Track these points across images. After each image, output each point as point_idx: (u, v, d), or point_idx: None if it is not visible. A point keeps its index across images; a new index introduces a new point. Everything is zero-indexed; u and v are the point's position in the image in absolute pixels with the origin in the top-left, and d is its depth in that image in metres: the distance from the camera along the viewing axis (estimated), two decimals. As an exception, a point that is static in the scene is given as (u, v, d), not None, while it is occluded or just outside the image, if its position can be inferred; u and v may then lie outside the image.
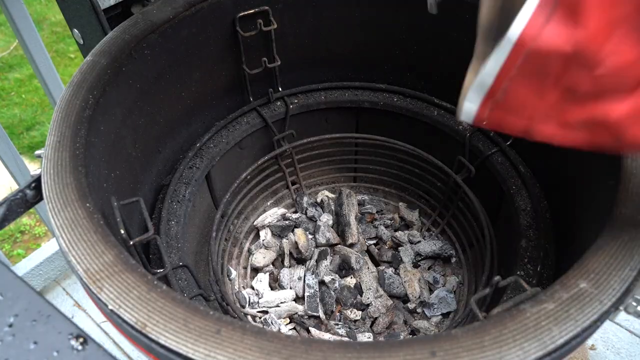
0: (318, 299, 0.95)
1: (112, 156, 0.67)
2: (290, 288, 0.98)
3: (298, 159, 1.12)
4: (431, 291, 1.00)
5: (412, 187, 1.15)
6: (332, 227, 1.08)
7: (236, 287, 1.01)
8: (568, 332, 0.39)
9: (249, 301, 0.96)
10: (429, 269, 1.04)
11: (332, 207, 1.12)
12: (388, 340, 0.38)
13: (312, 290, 0.96)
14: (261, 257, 1.04)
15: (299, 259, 1.04)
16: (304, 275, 0.99)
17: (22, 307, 0.37)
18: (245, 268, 1.06)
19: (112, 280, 0.42)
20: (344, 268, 1.00)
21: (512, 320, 0.40)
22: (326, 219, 1.09)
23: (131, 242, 0.56)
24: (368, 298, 0.95)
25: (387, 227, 1.11)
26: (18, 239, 1.59)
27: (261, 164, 1.05)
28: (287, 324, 0.95)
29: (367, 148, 1.13)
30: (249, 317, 0.94)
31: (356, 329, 0.93)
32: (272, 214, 1.12)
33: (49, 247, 1.34)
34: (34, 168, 1.23)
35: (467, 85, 0.43)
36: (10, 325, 0.36)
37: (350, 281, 0.99)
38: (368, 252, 1.07)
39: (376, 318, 0.94)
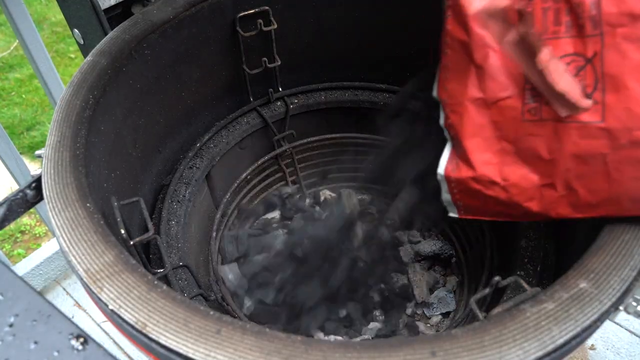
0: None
1: (113, 156, 0.67)
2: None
3: (298, 159, 1.12)
4: (431, 291, 1.00)
5: (412, 186, 1.14)
6: (332, 227, 1.08)
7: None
8: (568, 332, 0.39)
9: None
10: (429, 269, 1.04)
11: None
12: (388, 340, 0.38)
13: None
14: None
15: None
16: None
17: (23, 307, 0.37)
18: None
19: (113, 280, 0.42)
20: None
21: (512, 320, 0.40)
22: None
23: (131, 242, 0.56)
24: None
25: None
26: (18, 239, 1.60)
27: (261, 164, 1.05)
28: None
29: (367, 148, 1.13)
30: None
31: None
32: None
33: (49, 247, 1.34)
34: (34, 168, 1.23)
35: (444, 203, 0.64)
36: (11, 325, 0.36)
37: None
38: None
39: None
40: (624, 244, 0.46)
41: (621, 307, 0.43)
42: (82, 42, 0.86)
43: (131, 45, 0.71)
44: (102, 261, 0.43)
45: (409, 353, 0.37)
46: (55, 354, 0.34)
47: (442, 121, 0.59)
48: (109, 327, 1.22)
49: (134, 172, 0.76)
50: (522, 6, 0.49)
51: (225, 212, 1.01)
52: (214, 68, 0.91)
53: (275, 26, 0.91)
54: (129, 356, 1.18)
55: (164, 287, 0.42)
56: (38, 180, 0.54)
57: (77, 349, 0.34)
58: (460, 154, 0.57)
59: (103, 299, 0.41)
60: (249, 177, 1.04)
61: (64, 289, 1.34)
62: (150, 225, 0.60)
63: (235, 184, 1.01)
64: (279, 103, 1.03)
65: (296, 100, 1.04)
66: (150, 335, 0.38)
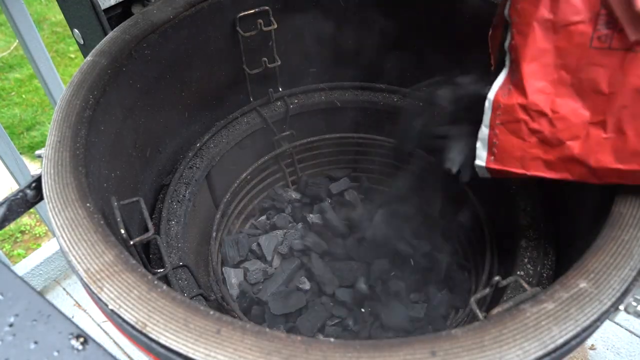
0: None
1: (113, 156, 0.67)
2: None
3: (298, 159, 1.12)
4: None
5: (412, 186, 1.14)
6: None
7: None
8: (568, 332, 0.39)
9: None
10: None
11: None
12: (388, 340, 0.38)
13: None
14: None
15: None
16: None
17: (23, 307, 0.37)
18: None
19: (113, 280, 0.42)
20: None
21: (512, 320, 0.40)
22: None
23: (131, 242, 0.56)
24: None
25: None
26: (18, 239, 1.60)
27: (261, 164, 1.05)
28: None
29: (367, 148, 1.13)
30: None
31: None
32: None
33: (49, 247, 1.34)
34: (34, 168, 1.23)
35: (476, 147, 0.62)
36: (11, 325, 0.36)
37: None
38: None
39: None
40: (624, 244, 0.46)
41: (621, 307, 0.43)
42: (82, 42, 0.86)
43: (131, 45, 0.71)
44: (102, 261, 0.43)
45: (409, 353, 0.37)
46: (55, 354, 0.34)
47: (506, 43, 0.58)
48: (109, 327, 1.22)
49: (134, 172, 0.76)
50: None
51: (225, 212, 1.01)
52: (214, 68, 0.91)
53: (275, 26, 0.91)
54: (129, 356, 1.18)
55: (164, 287, 0.42)
56: (38, 180, 0.54)
57: (77, 349, 0.34)
58: (516, 79, 0.56)
59: (103, 299, 0.41)
60: (249, 177, 1.04)
61: (64, 289, 1.34)
62: (150, 225, 0.60)
63: (235, 184, 1.01)
64: (279, 103, 1.03)
65: (296, 100, 1.04)
66: (150, 335, 0.38)
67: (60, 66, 2.33)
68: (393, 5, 0.93)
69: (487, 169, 0.62)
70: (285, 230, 1.06)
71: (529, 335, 0.39)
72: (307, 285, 0.95)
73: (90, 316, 1.26)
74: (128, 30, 0.73)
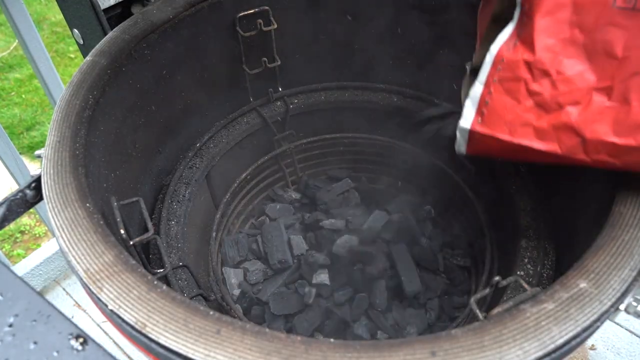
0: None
1: (112, 156, 0.67)
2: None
3: (298, 159, 1.12)
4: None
5: (412, 186, 1.14)
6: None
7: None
8: (568, 332, 0.39)
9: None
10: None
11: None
12: (388, 340, 0.38)
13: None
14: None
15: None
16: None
17: (22, 307, 0.37)
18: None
19: (112, 281, 0.42)
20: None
21: (512, 320, 0.40)
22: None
23: (131, 242, 0.56)
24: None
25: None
26: (18, 239, 1.59)
27: (261, 164, 1.05)
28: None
29: (367, 148, 1.13)
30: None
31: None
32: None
33: (49, 247, 1.34)
34: (34, 168, 1.23)
35: (463, 100, 0.57)
36: (11, 325, 0.36)
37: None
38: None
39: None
40: (624, 244, 0.46)
41: (621, 307, 0.43)
42: (81, 42, 0.86)
43: (131, 45, 0.71)
44: (102, 261, 0.43)
45: (409, 353, 0.37)
46: (55, 354, 0.34)
47: None
48: (109, 327, 1.22)
49: (134, 172, 0.76)
50: None
51: (225, 212, 1.01)
52: (213, 68, 0.91)
53: (275, 26, 0.90)
54: (128, 356, 1.18)
55: (164, 287, 0.42)
56: (38, 180, 0.54)
57: (77, 349, 0.34)
58: (524, 33, 0.52)
59: (103, 299, 0.41)
60: (248, 177, 1.04)
61: (64, 289, 1.34)
62: (150, 225, 0.60)
63: (235, 184, 1.01)
64: (279, 103, 1.03)
65: (296, 100, 1.04)
66: (150, 336, 0.38)
67: (60, 66, 2.33)
68: (393, 5, 0.93)
69: (471, 133, 0.57)
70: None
71: (529, 335, 0.39)
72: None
73: (90, 316, 1.26)
74: (128, 30, 0.72)
